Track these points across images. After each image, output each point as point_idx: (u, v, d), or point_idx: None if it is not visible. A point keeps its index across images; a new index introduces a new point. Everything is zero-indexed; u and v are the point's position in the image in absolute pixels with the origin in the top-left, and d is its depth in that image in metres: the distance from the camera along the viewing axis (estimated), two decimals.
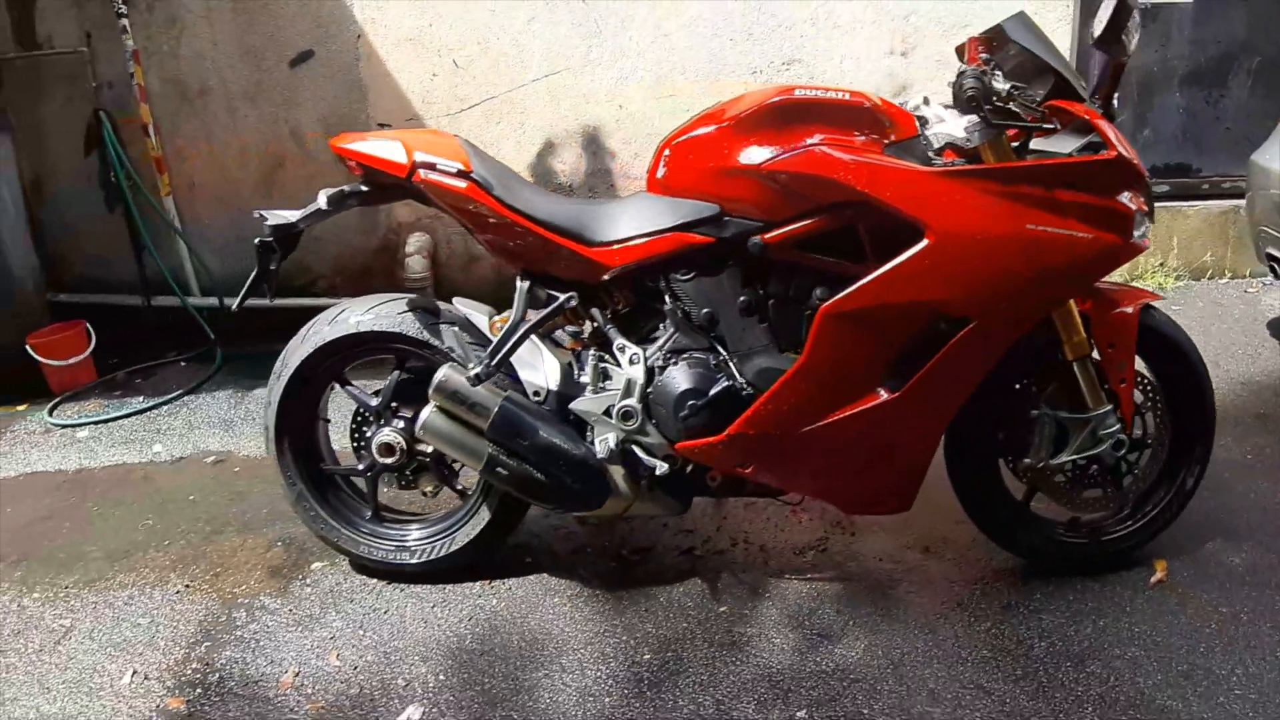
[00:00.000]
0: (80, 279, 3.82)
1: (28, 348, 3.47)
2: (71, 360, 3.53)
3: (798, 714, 1.81)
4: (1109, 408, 2.00)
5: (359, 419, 2.30)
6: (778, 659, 1.96)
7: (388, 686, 1.95)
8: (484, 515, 2.22)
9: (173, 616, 2.22)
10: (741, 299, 2.02)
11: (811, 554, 2.30)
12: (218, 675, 2.01)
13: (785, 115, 1.89)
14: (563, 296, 2.05)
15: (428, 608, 2.19)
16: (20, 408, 3.49)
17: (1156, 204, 2.02)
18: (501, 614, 2.15)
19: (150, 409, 3.39)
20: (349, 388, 2.26)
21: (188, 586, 2.33)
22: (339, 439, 2.43)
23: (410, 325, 2.14)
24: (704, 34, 3.52)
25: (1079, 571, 2.15)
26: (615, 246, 2.01)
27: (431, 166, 1.98)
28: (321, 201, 2.08)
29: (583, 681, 1.94)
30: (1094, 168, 1.83)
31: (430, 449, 2.20)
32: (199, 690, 1.97)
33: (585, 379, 2.07)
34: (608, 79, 3.59)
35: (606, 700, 1.88)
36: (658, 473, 2.02)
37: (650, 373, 2.05)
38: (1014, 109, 1.82)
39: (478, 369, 1.99)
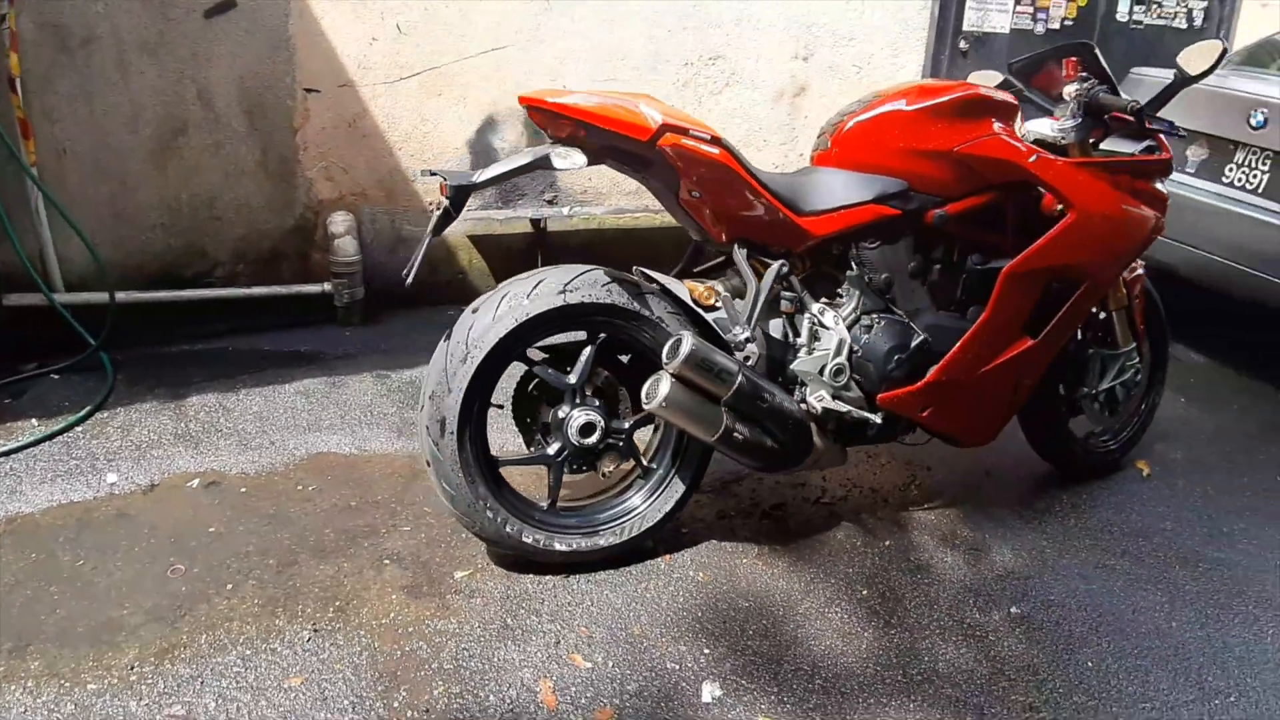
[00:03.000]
0: None
1: None
2: None
3: (1012, 610, 2.17)
4: (1134, 345, 2.63)
5: (530, 401, 2.16)
6: (960, 573, 2.29)
7: (660, 672, 1.92)
8: (678, 487, 2.23)
9: (326, 667, 1.87)
10: (912, 264, 2.30)
11: (914, 490, 2.65)
12: (453, 718, 1.79)
13: (969, 108, 2.20)
14: (775, 264, 2.15)
15: (634, 591, 2.15)
16: None
17: None
18: (709, 584, 2.19)
19: (61, 432, 2.66)
20: (539, 366, 2.12)
21: (315, 630, 1.97)
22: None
23: (619, 296, 2.08)
24: (645, 22, 3.63)
25: (1091, 476, 2.77)
26: (821, 216, 2.17)
27: (683, 131, 1.96)
28: (567, 160, 1.94)
29: (831, 624, 2.09)
30: (1157, 165, 2.41)
31: (628, 424, 2.17)
32: None
33: (800, 341, 2.20)
34: (551, 58, 3.53)
35: (866, 634, 2.07)
36: (874, 423, 2.22)
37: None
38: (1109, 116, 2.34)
39: (744, 334, 2.03)
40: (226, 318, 3.28)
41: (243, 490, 2.48)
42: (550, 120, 2.03)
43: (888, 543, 2.40)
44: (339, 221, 3.30)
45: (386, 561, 2.21)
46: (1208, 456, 2.94)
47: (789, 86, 3.95)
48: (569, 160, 1.95)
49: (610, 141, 1.98)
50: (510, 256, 3.70)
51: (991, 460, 2.80)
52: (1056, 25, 4.24)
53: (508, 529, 2.10)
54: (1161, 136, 2.43)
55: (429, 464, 2.07)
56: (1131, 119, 2.25)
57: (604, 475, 2.23)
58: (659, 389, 1.98)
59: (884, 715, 1.84)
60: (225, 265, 3.28)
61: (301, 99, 3.17)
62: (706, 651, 1.99)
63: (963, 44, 4.09)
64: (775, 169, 4.00)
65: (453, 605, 2.08)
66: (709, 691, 1.88)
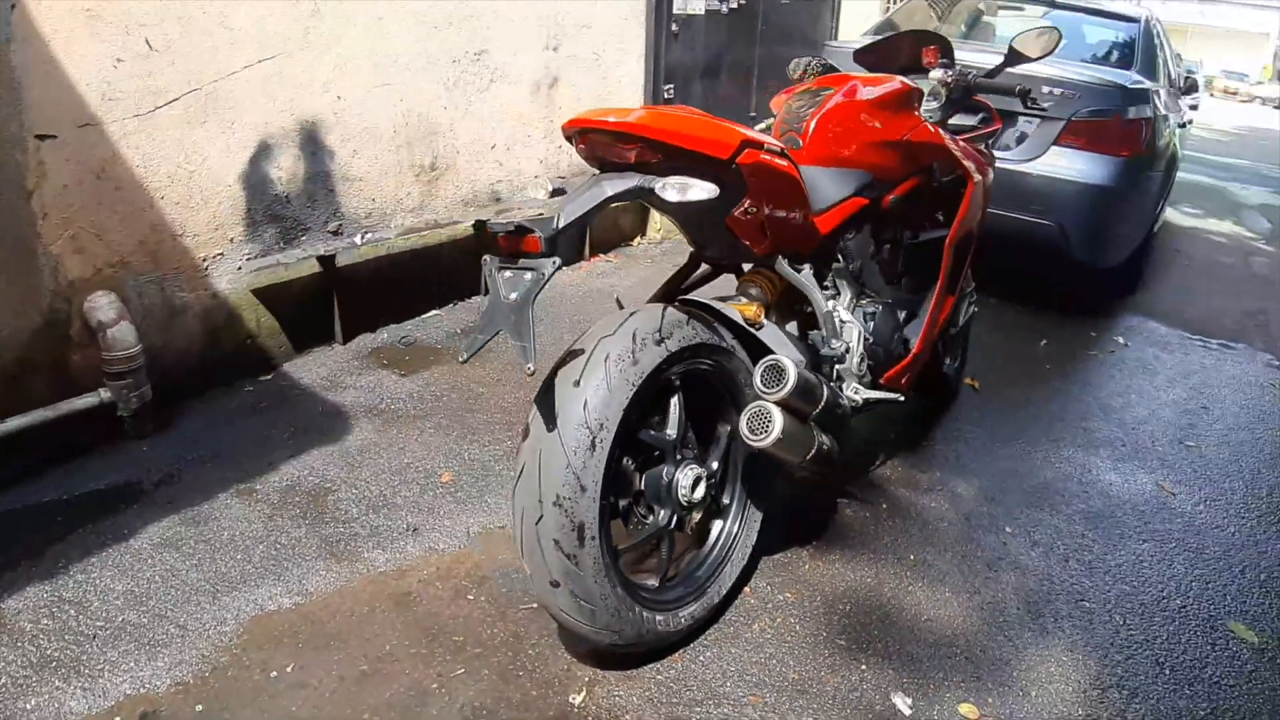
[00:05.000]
0: None
1: None
2: None
3: (1007, 529, 2.52)
4: (974, 285, 3.11)
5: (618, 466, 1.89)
6: (951, 512, 2.59)
7: (854, 706, 1.89)
8: (755, 515, 2.15)
9: None
10: (871, 249, 2.45)
11: (852, 454, 2.85)
12: None
13: (906, 98, 2.38)
14: (807, 268, 2.14)
15: (752, 637, 2.06)
16: None
17: None
18: (802, 602, 2.19)
19: None
20: (645, 431, 1.85)
21: None
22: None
23: (703, 332, 1.91)
24: (413, 19, 3.14)
25: (950, 400, 3.24)
26: (824, 214, 2.20)
27: (760, 145, 1.83)
28: (689, 191, 1.68)
29: (919, 598, 2.23)
30: (993, 133, 2.85)
31: (715, 465, 2.01)
32: None
33: (832, 339, 2.20)
34: (326, 66, 2.90)
35: (948, 596, 2.25)
36: (900, 402, 2.34)
37: None
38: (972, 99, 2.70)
39: (843, 346, 1.98)
40: None
41: (200, 709, 1.80)
42: (607, 145, 1.77)
43: (884, 505, 2.59)
44: (104, 306, 2.43)
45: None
46: (997, 366, 3.61)
47: (544, 78, 3.78)
48: (691, 191, 1.71)
49: (686, 163, 1.79)
50: (303, 303, 3.07)
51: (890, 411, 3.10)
52: (735, 5, 4.65)
53: (645, 625, 1.85)
54: (993, 107, 2.88)
55: (555, 585, 1.72)
56: (1020, 98, 2.64)
57: (690, 530, 2.06)
58: (773, 423, 1.86)
59: (1045, 652, 2.06)
60: None
61: (34, 150, 2.23)
62: (863, 668, 2.00)
63: (674, 27, 4.28)
64: (540, 163, 3.86)
65: None
66: (902, 703, 1.91)
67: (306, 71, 2.87)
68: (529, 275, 1.63)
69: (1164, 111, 4.15)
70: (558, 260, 1.61)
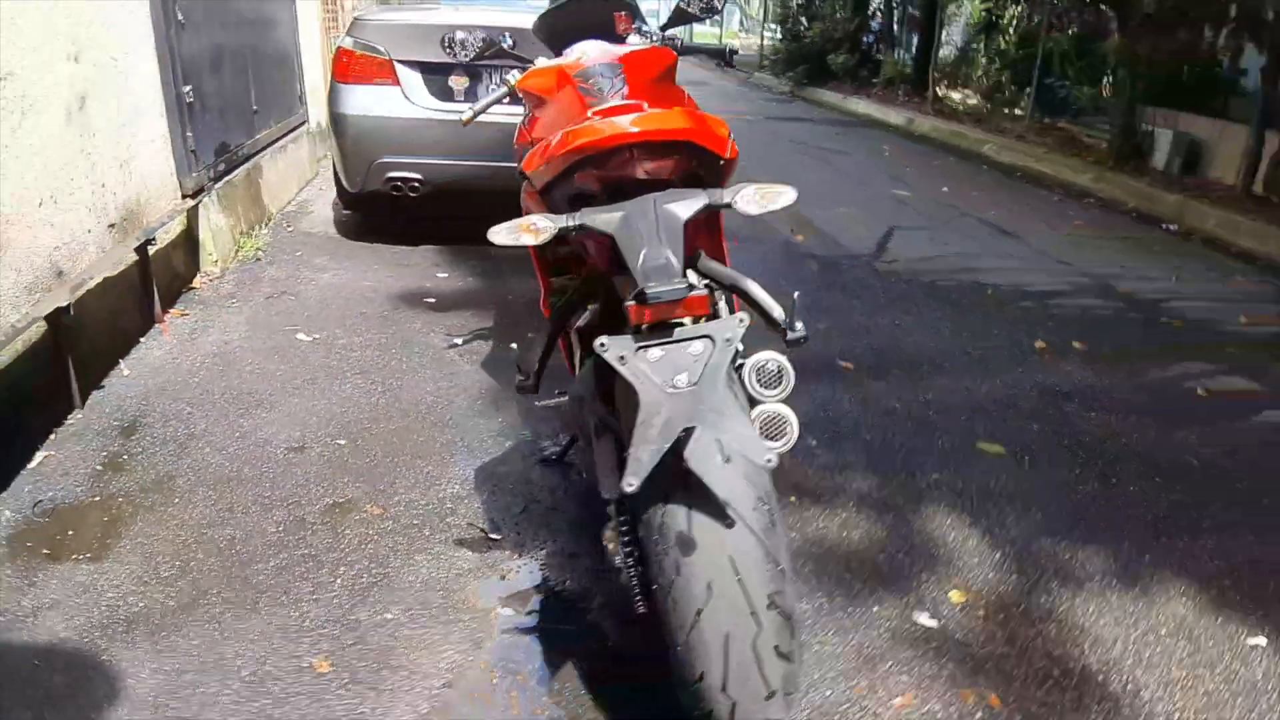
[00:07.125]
0: None
1: None
2: None
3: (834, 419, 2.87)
4: None
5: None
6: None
7: (901, 641, 2.02)
8: None
9: None
10: None
11: None
12: None
13: (674, 69, 2.31)
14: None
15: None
16: None
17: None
18: None
19: None
20: None
21: None
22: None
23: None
24: None
25: None
26: None
27: (730, 134, 1.78)
28: (776, 198, 1.54)
29: (833, 522, 2.46)
30: None
31: None
32: None
33: None
34: None
35: (856, 515, 2.50)
36: None
37: None
38: None
39: (801, 326, 1.99)
40: None
41: None
42: (632, 160, 1.63)
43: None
44: None
45: None
46: None
47: (73, 100, 2.69)
48: (780, 199, 1.56)
49: (698, 169, 1.67)
50: None
51: None
52: None
53: None
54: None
55: (771, 696, 1.44)
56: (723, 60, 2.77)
57: None
58: (790, 425, 1.84)
59: (944, 523, 2.45)
60: None
61: None
62: (875, 610, 2.13)
63: (180, 16, 3.34)
64: (90, 211, 2.89)
65: None
66: (924, 618, 2.12)
67: None
68: (696, 346, 1.36)
69: None
70: (744, 316, 1.36)
